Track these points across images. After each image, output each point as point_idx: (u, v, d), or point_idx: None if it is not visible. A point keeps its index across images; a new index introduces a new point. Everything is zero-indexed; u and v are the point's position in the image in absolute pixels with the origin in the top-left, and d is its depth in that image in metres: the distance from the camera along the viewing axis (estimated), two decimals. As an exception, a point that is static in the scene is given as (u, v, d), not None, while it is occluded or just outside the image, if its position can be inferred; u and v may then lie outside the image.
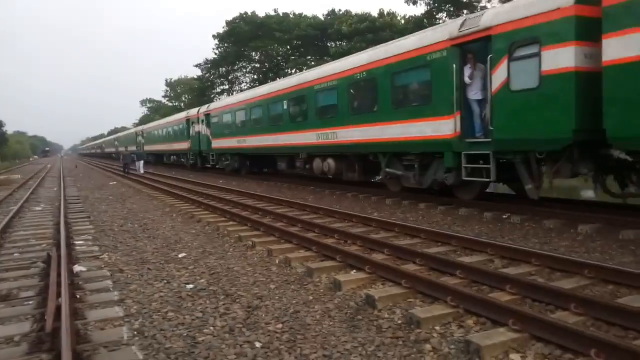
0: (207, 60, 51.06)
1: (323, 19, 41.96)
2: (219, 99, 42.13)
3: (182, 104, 71.05)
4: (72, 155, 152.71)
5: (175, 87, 79.23)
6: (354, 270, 5.80)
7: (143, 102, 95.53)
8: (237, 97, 23.30)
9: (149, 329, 4.27)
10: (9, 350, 3.90)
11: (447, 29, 9.91)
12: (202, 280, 5.75)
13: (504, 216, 9.05)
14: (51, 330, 3.91)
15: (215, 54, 49.83)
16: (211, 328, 4.28)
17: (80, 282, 5.56)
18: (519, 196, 10.38)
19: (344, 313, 4.58)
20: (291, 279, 5.73)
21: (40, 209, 13.00)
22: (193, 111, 29.04)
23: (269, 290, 5.36)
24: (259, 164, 22.40)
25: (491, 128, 8.83)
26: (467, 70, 9.42)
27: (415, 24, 26.88)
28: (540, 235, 7.53)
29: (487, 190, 11.39)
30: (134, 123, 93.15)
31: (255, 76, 49.37)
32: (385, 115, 11.67)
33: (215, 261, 6.69)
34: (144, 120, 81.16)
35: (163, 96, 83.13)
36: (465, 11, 25.38)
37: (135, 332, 4.20)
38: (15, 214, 11.28)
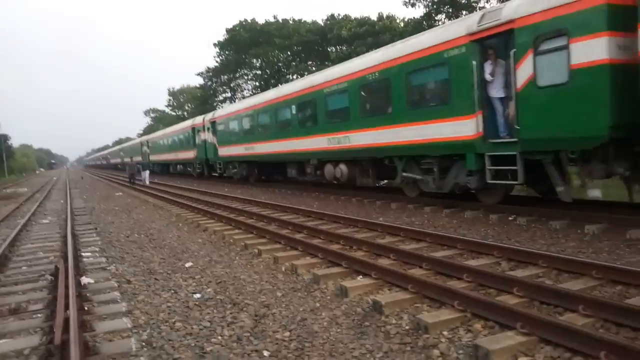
0: (208, 68, 51.31)
1: (323, 24, 42.02)
2: (222, 106, 42.21)
3: (185, 113, 71.36)
4: (77, 167, 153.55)
5: (178, 96, 79.63)
6: (361, 276, 5.79)
7: (147, 112, 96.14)
8: (243, 104, 22.80)
9: (157, 340, 4.28)
10: (19, 364, 3.92)
11: (464, 24, 9.44)
12: (209, 290, 5.77)
13: (510, 218, 9.01)
14: (60, 342, 3.92)
15: (217, 62, 50.07)
16: (219, 337, 4.29)
17: (88, 294, 5.58)
18: (544, 199, 9.93)
19: (351, 320, 4.58)
20: (298, 287, 5.74)
21: (47, 221, 13.07)
22: (199, 119, 28.68)
23: (275, 298, 5.36)
24: (267, 171, 21.92)
25: (517, 127, 8.34)
26: (487, 67, 8.94)
27: (414, 27, 26.89)
28: (547, 236, 7.49)
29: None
30: (139, 133, 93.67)
31: (257, 83, 49.51)
32: (401, 117, 11.19)
33: (221, 270, 6.70)
34: (148, 130, 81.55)
35: (166, 105, 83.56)
36: (464, 12, 25.37)
37: (144, 343, 4.21)
38: (22, 227, 11.35)
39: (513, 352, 3.56)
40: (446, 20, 25.86)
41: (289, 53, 45.26)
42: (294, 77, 38.93)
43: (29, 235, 10.62)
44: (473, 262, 6.00)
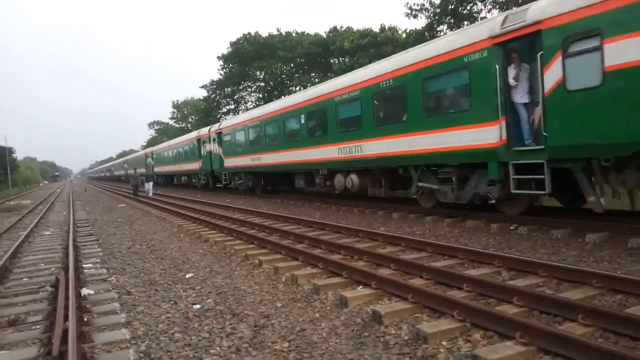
0: (212, 81, 51.75)
1: (325, 36, 42.41)
2: (225, 118, 42.48)
3: (189, 125, 71.82)
4: (81, 179, 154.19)
5: (182, 109, 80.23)
6: (361, 286, 5.78)
7: (150, 125, 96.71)
8: (250, 114, 22.47)
9: (155, 351, 4.27)
10: (17, 375, 3.91)
11: (486, 27, 9.08)
12: (209, 300, 5.76)
13: (511, 227, 8.99)
14: (58, 354, 3.92)
15: (221, 74, 50.51)
16: (218, 348, 4.28)
17: (88, 305, 5.58)
18: (568, 209, 9.69)
19: (350, 330, 4.56)
20: (298, 297, 5.72)
21: (49, 233, 13.11)
22: (204, 130, 28.63)
23: (275, 308, 5.35)
24: (274, 182, 21.64)
25: (545, 134, 7.94)
26: (511, 71, 8.61)
27: (416, 38, 27.09)
28: (548, 245, 7.46)
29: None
30: (142, 145, 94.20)
31: (260, 95, 49.85)
32: (417, 125, 10.84)
33: (222, 280, 6.70)
34: (152, 142, 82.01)
35: (170, 118, 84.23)
36: (466, 22, 25.56)
37: (142, 355, 4.20)
38: (24, 239, 11.39)
39: (512, 362, 3.54)
40: (448, 31, 26.05)
41: (292, 65, 45.63)
42: (297, 88, 39.21)
43: (30, 247, 10.64)
44: (473, 272, 5.97)
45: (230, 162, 23.51)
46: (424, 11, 27.85)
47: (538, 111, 8.32)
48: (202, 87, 53.25)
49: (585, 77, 7.31)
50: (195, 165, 29.70)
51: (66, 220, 16.10)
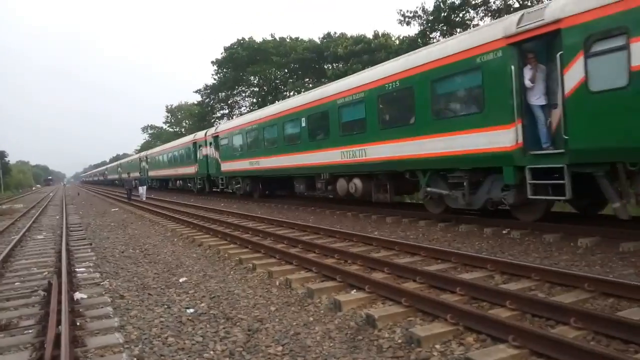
0: (206, 85, 51.77)
1: (319, 42, 42.61)
2: (219, 123, 42.41)
3: (182, 130, 71.70)
4: (74, 183, 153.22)
5: (176, 113, 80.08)
6: (354, 290, 5.79)
7: (144, 129, 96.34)
8: (248, 117, 21.94)
9: (149, 355, 4.26)
10: (9, 380, 3.89)
11: (501, 26, 8.73)
12: (202, 304, 5.75)
13: (504, 232, 9.04)
14: (50, 358, 3.90)
15: (215, 79, 50.55)
16: (211, 352, 4.27)
17: (81, 310, 5.55)
18: (583, 215, 9.46)
19: (344, 334, 4.57)
20: (292, 301, 5.72)
21: (42, 237, 13.02)
22: (200, 134, 28.33)
23: (269, 312, 5.35)
24: (272, 186, 21.37)
25: (565, 137, 7.58)
26: (527, 72, 8.26)
27: (410, 44, 27.28)
28: (540, 250, 7.52)
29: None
30: (136, 149, 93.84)
31: (254, 100, 49.92)
32: (425, 128, 10.42)
33: (216, 285, 6.69)
34: (145, 146, 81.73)
35: (164, 122, 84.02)
36: (458, 30, 25.78)
37: (135, 359, 4.19)
38: (17, 243, 11.30)
39: (504, 365, 3.56)
40: (441, 38, 26.26)
41: (286, 70, 45.79)
42: (291, 93, 39.29)
43: (23, 251, 10.56)
44: (466, 276, 6.01)
45: (227, 166, 23.25)
46: (416, 18, 28.11)
47: (556, 113, 8.05)
48: (196, 91, 53.34)
49: (610, 78, 6.99)
50: (191, 170, 29.49)
51: (59, 224, 16.00)
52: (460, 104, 9.88)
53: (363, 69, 17.85)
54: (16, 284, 7.29)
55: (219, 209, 17.83)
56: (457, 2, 26.07)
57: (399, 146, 11.24)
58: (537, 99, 8.34)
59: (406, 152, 11.02)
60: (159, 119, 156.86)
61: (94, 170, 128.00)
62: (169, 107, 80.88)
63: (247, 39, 46.53)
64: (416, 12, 27.85)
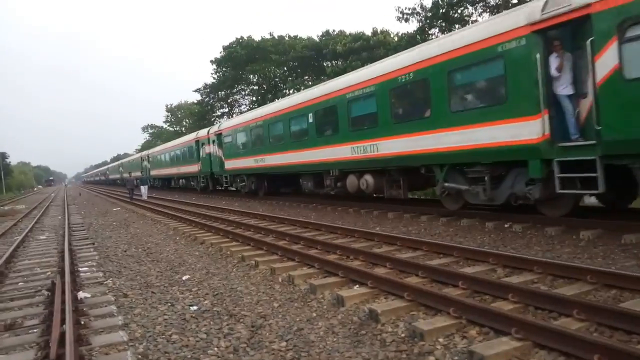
0: (206, 84, 51.72)
1: (318, 40, 42.52)
2: (220, 121, 42.39)
3: (183, 129, 71.70)
4: (76, 183, 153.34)
5: (176, 113, 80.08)
6: (357, 286, 5.80)
7: (145, 129, 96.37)
8: (252, 114, 21.40)
9: (153, 352, 4.28)
10: (15, 378, 3.91)
11: (524, 12, 8.30)
12: (206, 302, 5.77)
13: (506, 225, 9.04)
14: (55, 357, 3.92)
15: (214, 78, 50.50)
16: (215, 349, 4.29)
17: (84, 309, 5.57)
18: (611, 210, 9.15)
19: (347, 329, 4.58)
20: (294, 297, 5.74)
21: (44, 237, 13.05)
22: (203, 132, 28.05)
23: (272, 308, 5.36)
24: (278, 184, 21.06)
25: (598, 127, 7.18)
26: (554, 61, 7.87)
27: (408, 41, 27.22)
28: (542, 243, 7.52)
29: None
30: (137, 149, 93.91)
31: (254, 98, 49.88)
32: (442, 121, 10.02)
33: (219, 282, 6.71)
34: (146, 146, 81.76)
35: (164, 121, 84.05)
36: (457, 26, 25.72)
37: (140, 356, 4.21)
38: (19, 244, 11.33)
39: (508, 358, 3.57)
40: (440, 34, 26.20)
41: (285, 68, 45.72)
42: (291, 91, 39.29)
43: (25, 251, 10.59)
44: (469, 270, 6.01)
45: (231, 164, 22.90)
46: (415, 15, 28.02)
47: (585, 103, 7.72)
48: (196, 90, 53.28)
49: None
50: (194, 168, 29.22)
51: (61, 224, 16.03)
52: (481, 95, 9.43)
53: (362, 66, 17.76)
54: (20, 284, 7.31)
55: (220, 207, 17.84)
56: (454, -1, 26.01)
57: (414, 140, 10.87)
58: (564, 88, 7.97)
59: (422, 147, 10.64)
60: (159, 119, 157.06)
61: (95, 170, 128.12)
62: (169, 106, 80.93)
63: (245, 38, 46.47)
64: (414, 9, 27.77)
